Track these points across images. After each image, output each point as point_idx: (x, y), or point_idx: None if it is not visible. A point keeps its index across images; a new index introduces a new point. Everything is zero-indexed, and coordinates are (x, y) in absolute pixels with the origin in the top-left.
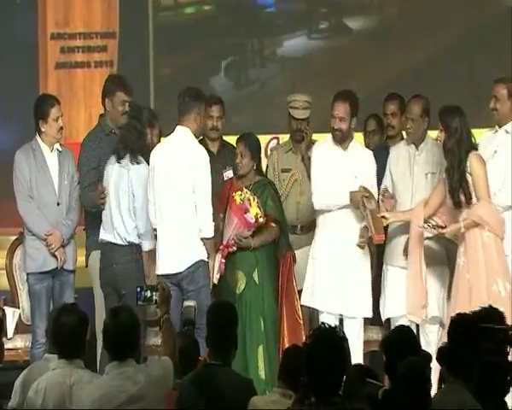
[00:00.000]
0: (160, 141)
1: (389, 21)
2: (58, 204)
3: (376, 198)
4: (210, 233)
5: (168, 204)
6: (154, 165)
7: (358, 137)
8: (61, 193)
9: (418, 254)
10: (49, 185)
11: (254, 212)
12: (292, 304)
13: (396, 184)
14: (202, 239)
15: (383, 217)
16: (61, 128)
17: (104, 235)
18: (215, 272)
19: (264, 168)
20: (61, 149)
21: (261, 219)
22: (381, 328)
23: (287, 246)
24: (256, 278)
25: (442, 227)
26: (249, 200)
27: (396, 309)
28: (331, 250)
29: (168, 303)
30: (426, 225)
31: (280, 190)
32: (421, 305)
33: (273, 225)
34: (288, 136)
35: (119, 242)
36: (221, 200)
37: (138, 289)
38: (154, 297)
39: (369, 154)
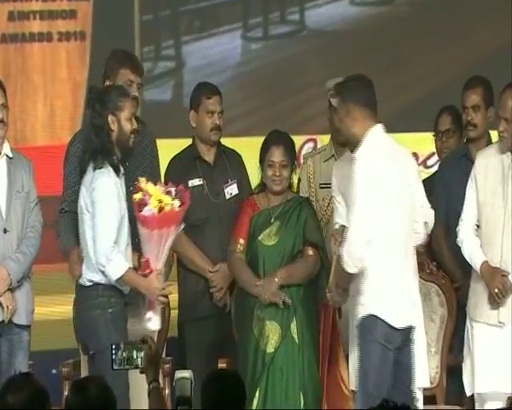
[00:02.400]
0: (134, 125)
1: None
2: (5, 231)
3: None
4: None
5: (400, 226)
6: (383, 175)
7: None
8: (9, 216)
9: None
10: None
11: (155, 200)
12: (337, 373)
13: (482, 207)
14: None
15: None
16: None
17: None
18: (154, 318)
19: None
20: (11, 155)
21: (171, 206)
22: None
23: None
24: (295, 333)
25: None
26: (148, 192)
27: (487, 382)
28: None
29: (156, 366)
30: None
31: (318, 213)
32: None
33: (310, 252)
34: (329, 137)
35: (80, 281)
36: (241, 224)
37: (113, 348)
38: (137, 359)
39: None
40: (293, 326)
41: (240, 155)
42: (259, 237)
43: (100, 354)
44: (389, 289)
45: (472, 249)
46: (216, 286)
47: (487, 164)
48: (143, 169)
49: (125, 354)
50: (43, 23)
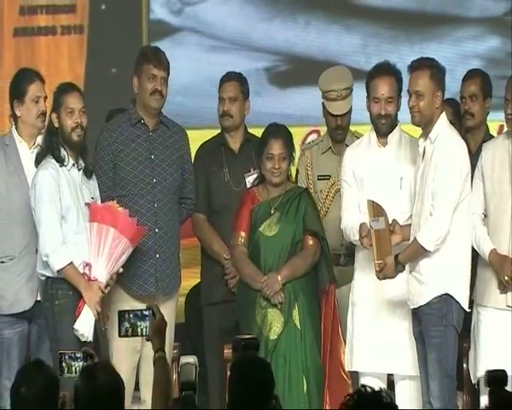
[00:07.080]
0: (76, 120)
1: None
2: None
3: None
4: None
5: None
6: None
7: None
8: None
9: None
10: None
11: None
12: (337, 359)
13: (490, 196)
14: None
15: None
16: (43, 114)
17: None
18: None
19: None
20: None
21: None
22: (462, 394)
23: (329, 275)
24: (297, 320)
25: None
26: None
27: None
28: (373, 292)
29: (162, 335)
30: None
31: (318, 204)
32: None
33: (311, 242)
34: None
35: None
36: (241, 217)
37: (120, 316)
38: (143, 328)
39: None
40: (295, 313)
41: None
42: (260, 228)
43: (52, 344)
44: (466, 272)
45: (480, 238)
46: (230, 274)
47: (494, 154)
48: (169, 163)
49: (131, 322)
50: (48, 17)
